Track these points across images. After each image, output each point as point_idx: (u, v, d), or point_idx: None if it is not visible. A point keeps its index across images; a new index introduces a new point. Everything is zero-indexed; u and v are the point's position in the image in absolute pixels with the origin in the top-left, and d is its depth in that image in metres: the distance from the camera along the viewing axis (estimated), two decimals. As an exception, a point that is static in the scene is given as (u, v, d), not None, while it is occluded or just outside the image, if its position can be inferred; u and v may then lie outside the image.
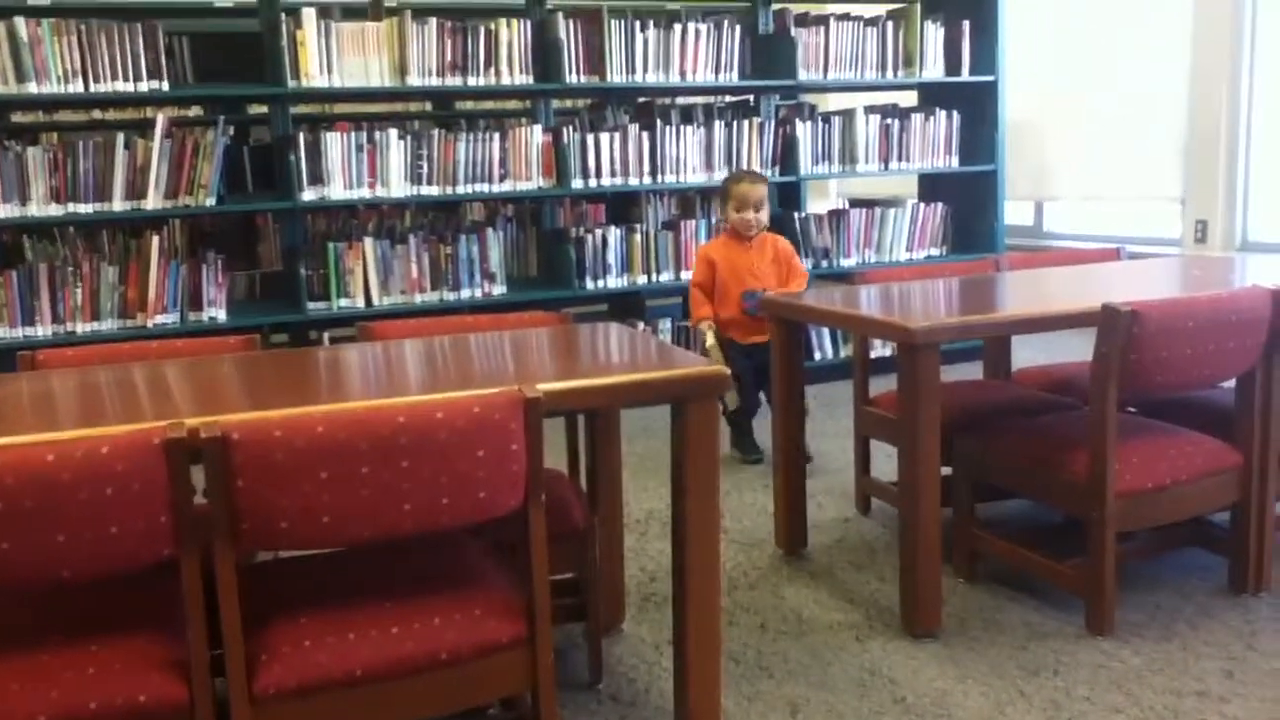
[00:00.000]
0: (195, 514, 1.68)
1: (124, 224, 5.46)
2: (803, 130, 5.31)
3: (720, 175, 5.17)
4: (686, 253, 5.13)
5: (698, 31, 5.01)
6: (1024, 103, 6.40)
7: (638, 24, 4.89)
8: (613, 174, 4.99)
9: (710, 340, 4.10)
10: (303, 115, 6.93)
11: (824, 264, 5.39)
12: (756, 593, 3.02)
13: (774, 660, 2.63)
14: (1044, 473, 2.75)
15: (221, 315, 4.49)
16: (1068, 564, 2.74)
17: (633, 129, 5.01)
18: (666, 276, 5.14)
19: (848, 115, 5.43)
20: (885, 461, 3.50)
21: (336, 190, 4.53)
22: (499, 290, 4.87)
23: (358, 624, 1.84)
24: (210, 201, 4.39)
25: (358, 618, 1.85)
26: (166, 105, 5.96)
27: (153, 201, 4.29)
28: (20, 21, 4.00)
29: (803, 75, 5.21)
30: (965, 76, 5.55)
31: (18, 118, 6.82)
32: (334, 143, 4.50)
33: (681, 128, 5.10)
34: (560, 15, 4.80)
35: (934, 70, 5.51)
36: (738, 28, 5.12)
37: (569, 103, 6.77)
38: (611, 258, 5.04)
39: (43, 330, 4.24)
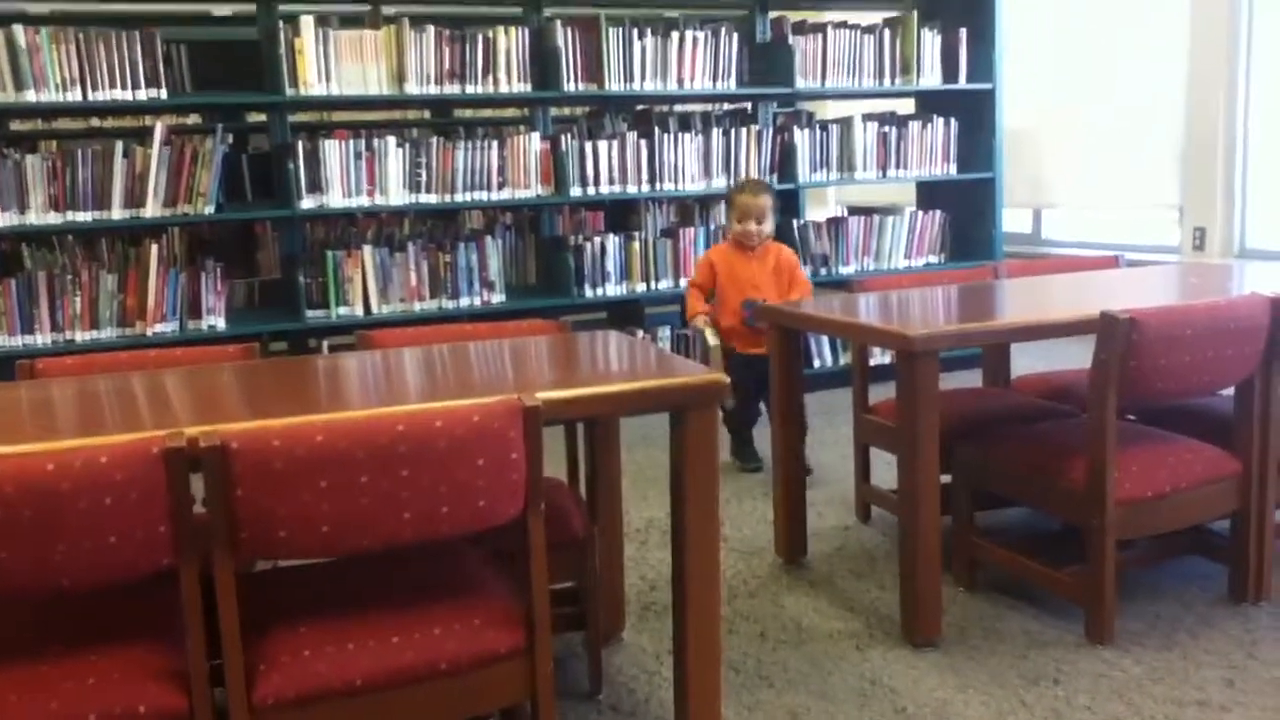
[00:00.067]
0: (194, 523, 1.67)
1: (123, 232, 5.46)
2: (801, 138, 5.31)
3: (719, 183, 5.18)
4: (685, 260, 5.13)
5: (696, 39, 5.02)
6: (1022, 110, 6.42)
7: (635, 32, 4.90)
8: (611, 182, 4.99)
9: (712, 339, 4.06)
10: (301, 123, 6.94)
11: (822, 271, 5.39)
12: (756, 601, 3.02)
13: (774, 669, 2.62)
14: (1043, 480, 2.74)
15: (220, 323, 4.49)
16: (1067, 572, 2.74)
17: (631, 137, 5.02)
18: (665, 284, 5.14)
19: (846, 123, 5.44)
20: (885, 469, 3.49)
21: (335, 198, 4.53)
22: (498, 298, 4.87)
23: (357, 633, 1.83)
24: (209, 210, 4.39)
25: (357, 627, 1.85)
26: (165, 113, 5.97)
27: (151, 210, 4.29)
28: (19, 29, 4.00)
29: (801, 83, 5.22)
30: (963, 84, 5.56)
31: (16, 126, 6.83)
32: (332, 151, 4.50)
33: (680, 135, 5.11)
34: (558, 23, 4.80)
35: (932, 78, 5.52)
36: (735, 35, 5.13)
37: (567, 110, 6.77)
38: (610, 265, 5.04)
39: (42, 339, 4.23)
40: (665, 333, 5.31)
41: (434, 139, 4.75)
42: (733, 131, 5.20)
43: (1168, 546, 2.98)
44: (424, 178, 4.66)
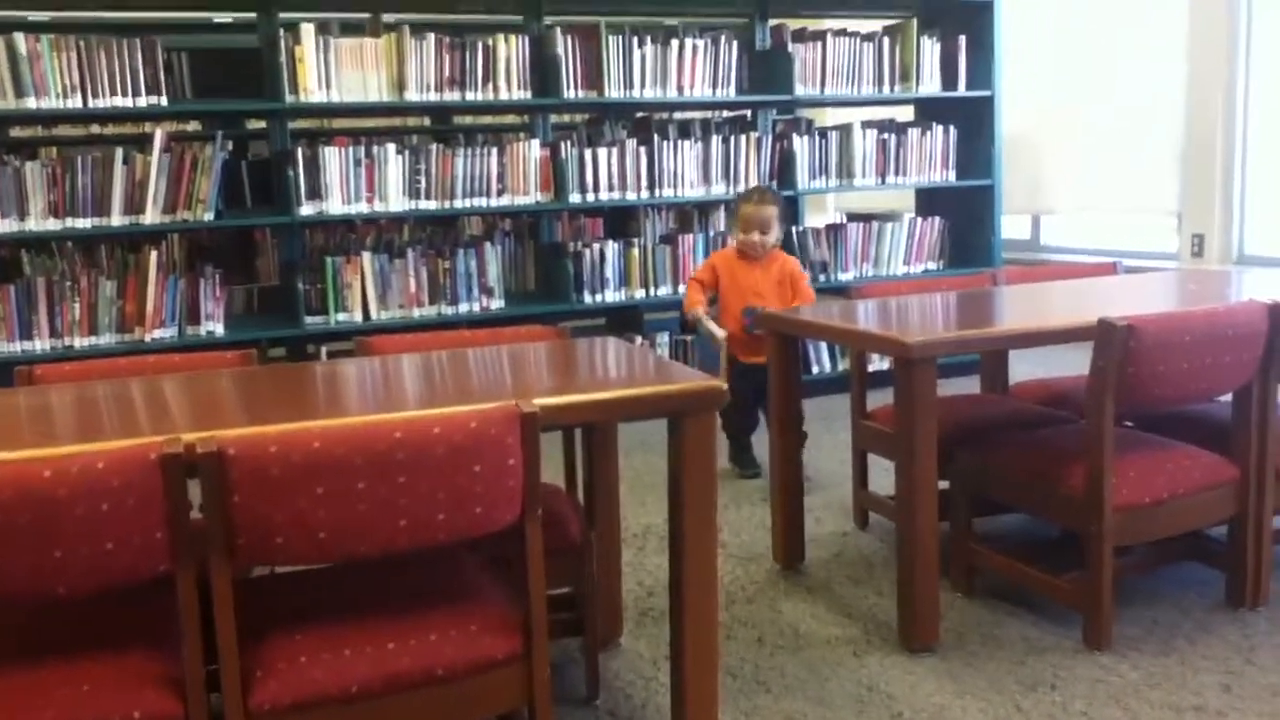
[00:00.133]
0: (191, 529, 1.67)
1: (122, 238, 5.47)
2: (800, 145, 5.32)
3: (718, 190, 5.19)
4: (684, 267, 5.14)
5: (695, 47, 5.03)
6: (1020, 117, 6.43)
7: (635, 39, 4.91)
8: (610, 188, 5.00)
9: (718, 331, 4.02)
10: (301, 130, 6.96)
11: (821, 278, 5.39)
12: (754, 607, 3.02)
13: (771, 675, 2.62)
14: (1041, 487, 2.74)
15: (219, 330, 4.50)
16: (1065, 578, 2.74)
17: (630, 144, 5.03)
18: (664, 290, 5.15)
19: (845, 130, 5.45)
20: (883, 475, 3.49)
21: (335, 205, 4.54)
22: (497, 304, 4.88)
23: (354, 640, 1.83)
24: (208, 216, 4.40)
25: (354, 633, 1.85)
26: (165, 120, 5.99)
27: (151, 216, 4.30)
28: (20, 37, 4.01)
29: (800, 90, 5.22)
30: (962, 91, 5.58)
31: (16, 132, 6.84)
32: (332, 157, 4.51)
33: (679, 142, 5.11)
34: (558, 31, 4.81)
35: (930, 85, 5.53)
36: (735, 43, 5.14)
37: (567, 118, 6.79)
38: (609, 272, 5.04)
39: (40, 345, 4.24)
40: (664, 339, 5.31)
41: (434, 146, 4.77)
42: (732, 139, 5.21)
43: (1165, 552, 2.98)
44: (423, 184, 4.66)
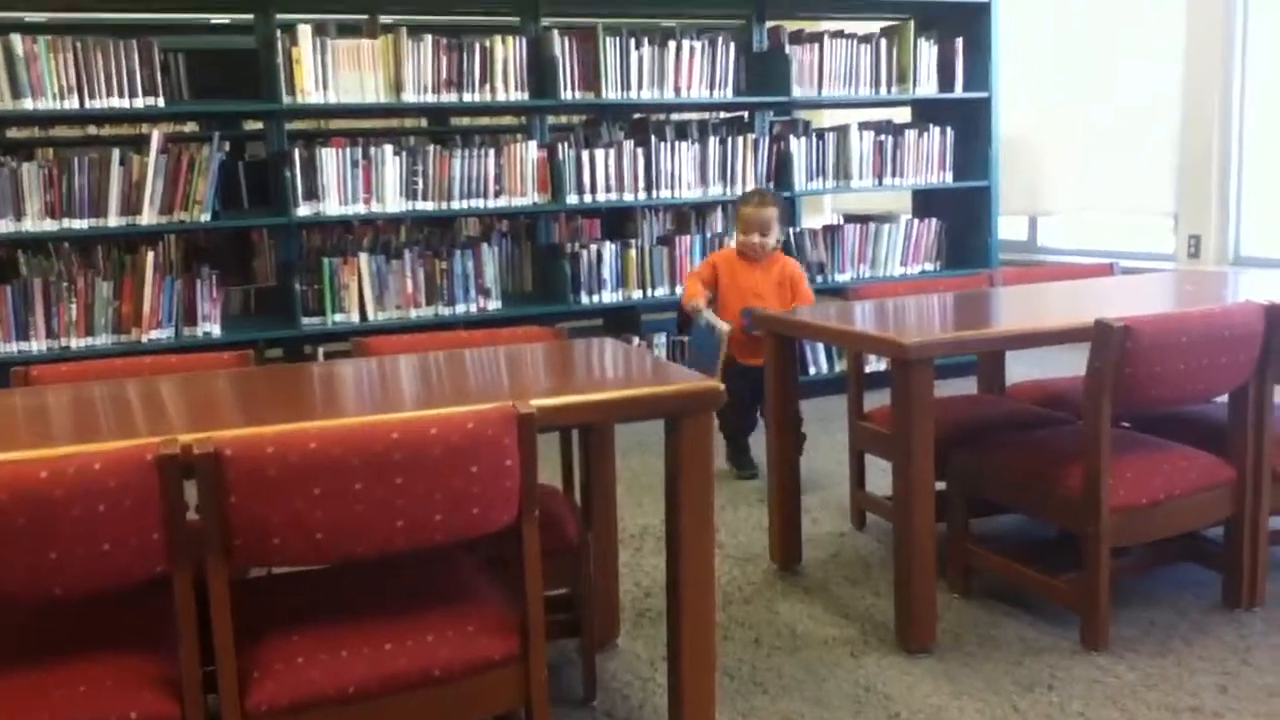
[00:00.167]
0: (188, 530, 1.67)
1: (119, 239, 5.46)
2: (797, 146, 5.32)
3: (715, 191, 5.19)
4: (681, 268, 5.13)
5: (692, 48, 5.03)
6: (1017, 118, 6.43)
7: (632, 41, 4.91)
8: (608, 189, 5.00)
9: (721, 325, 4.00)
10: (298, 131, 6.95)
11: (818, 279, 5.39)
12: (751, 608, 3.02)
13: (768, 676, 2.62)
14: (1038, 487, 2.75)
15: (216, 330, 4.49)
16: (1062, 579, 2.74)
17: (628, 145, 5.03)
18: (661, 291, 5.15)
19: (842, 131, 5.45)
20: (880, 476, 3.50)
21: (332, 206, 4.53)
22: (494, 305, 4.88)
23: (351, 640, 1.83)
24: (205, 217, 4.39)
25: (350, 634, 1.85)
26: (162, 121, 5.97)
27: (148, 217, 4.30)
28: (16, 38, 4.01)
29: (797, 92, 5.23)
30: (959, 93, 5.58)
31: (13, 133, 6.83)
32: (329, 159, 4.50)
33: (676, 144, 5.11)
34: (555, 32, 4.81)
35: (928, 87, 5.53)
36: (732, 45, 5.14)
37: (564, 119, 6.79)
38: (606, 273, 5.04)
39: (37, 345, 4.23)
40: (661, 340, 5.31)
41: (431, 147, 4.76)
42: (729, 140, 5.21)
43: (1162, 553, 2.98)
44: (421, 185, 4.66)
